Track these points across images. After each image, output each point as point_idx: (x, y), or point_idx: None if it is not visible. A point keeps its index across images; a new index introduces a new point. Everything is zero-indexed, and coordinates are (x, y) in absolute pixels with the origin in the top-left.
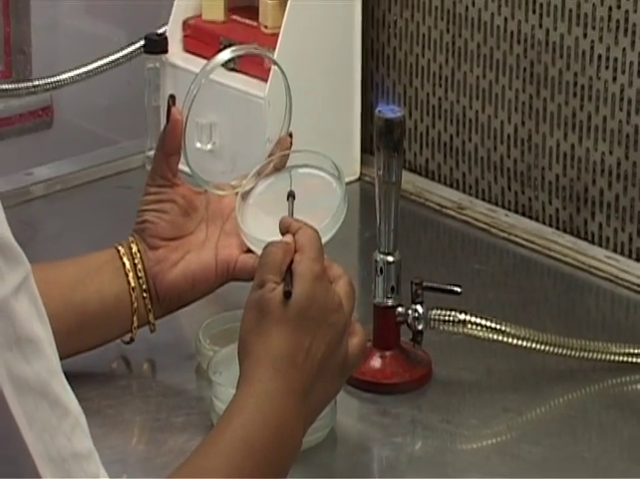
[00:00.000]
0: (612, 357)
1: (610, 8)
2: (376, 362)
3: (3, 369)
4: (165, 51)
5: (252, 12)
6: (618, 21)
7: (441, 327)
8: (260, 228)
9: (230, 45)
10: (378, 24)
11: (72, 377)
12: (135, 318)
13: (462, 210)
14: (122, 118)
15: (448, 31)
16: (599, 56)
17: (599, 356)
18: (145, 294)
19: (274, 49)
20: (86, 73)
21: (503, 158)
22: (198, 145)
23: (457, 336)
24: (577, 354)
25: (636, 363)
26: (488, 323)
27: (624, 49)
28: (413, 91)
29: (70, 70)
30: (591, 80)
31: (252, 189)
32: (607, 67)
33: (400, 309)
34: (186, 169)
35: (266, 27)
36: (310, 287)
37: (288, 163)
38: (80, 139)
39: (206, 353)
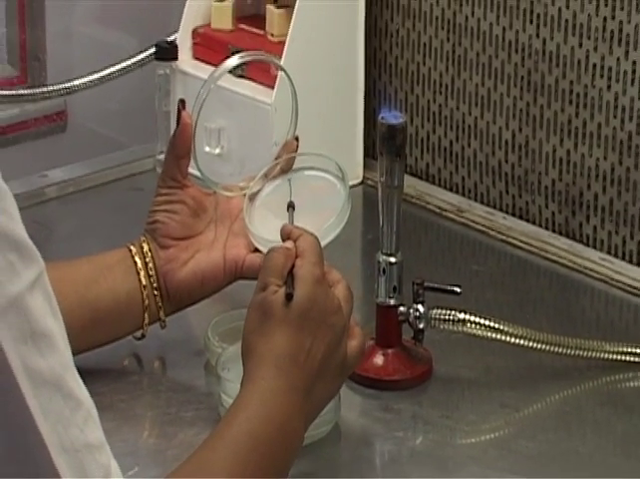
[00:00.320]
0: (606, 356)
1: (605, 19)
2: (378, 360)
3: (19, 362)
4: (176, 58)
5: (259, 21)
6: (612, 31)
7: (441, 326)
8: (267, 228)
9: (238, 52)
10: (381, 33)
11: (86, 373)
12: (146, 315)
13: (461, 212)
14: (133, 122)
15: (448, 40)
16: (594, 65)
17: (593, 355)
18: (155, 292)
19: (280, 57)
20: (99, 79)
21: (501, 163)
22: (207, 149)
23: (456, 335)
24: (572, 353)
25: (629, 361)
26: (487, 322)
27: (618, 58)
28: (414, 98)
29: (83, 76)
30: (586, 88)
31: (260, 190)
32: (602, 76)
33: (402, 309)
34: (196, 172)
35: (273, 35)
36: (311, 290)
37: (294, 165)
38: (93, 142)
39: (215, 350)
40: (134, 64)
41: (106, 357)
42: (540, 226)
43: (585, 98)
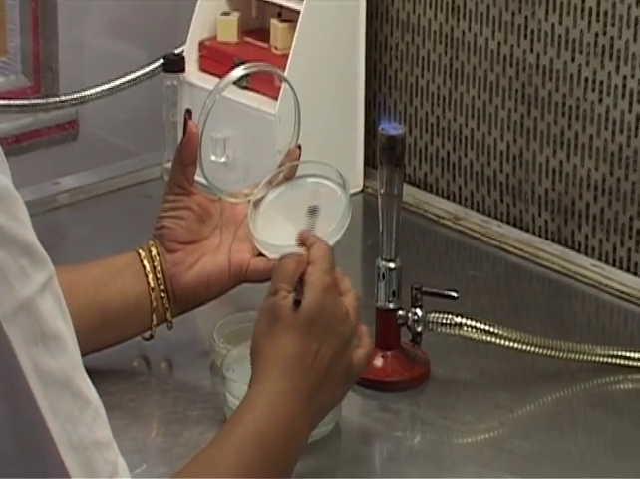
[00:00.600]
0: (597, 359)
1: (597, 34)
2: (378, 362)
3: (30, 364)
4: (183, 70)
5: (264, 34)
6: (604, 46)
7: (438, 330)
8: (271, 233)
9: (243, 64)
10: (380, 47)
11: (96, 374)
12: (154, 317)
13: (457, 220)
14: (142, 131)
15: (445, 54)
16: (586, 79)
17: (585, 358)
18: (163, 295)
19: (284, 69)
20: (109, 89)
21: (497, 172)
22: (213, 157)
23: (453, 338)
24: (564, 356)
25: (619, 365)
26: (482, 326)
27: (609, 72)
28: (413, 109)
29: (94, 86)
30: (579, 101)
31: (264, 196)
32: (594, 89)
33: (400, 313)
34: (203, 179)
35: (277, 48)
36: (320, 297)
37: (297, 172)
38: (103, 150)
39: (220, 352)
40: (143, 75)
41: (115, 358)
42: (534, 233)
43: (577, 110)
